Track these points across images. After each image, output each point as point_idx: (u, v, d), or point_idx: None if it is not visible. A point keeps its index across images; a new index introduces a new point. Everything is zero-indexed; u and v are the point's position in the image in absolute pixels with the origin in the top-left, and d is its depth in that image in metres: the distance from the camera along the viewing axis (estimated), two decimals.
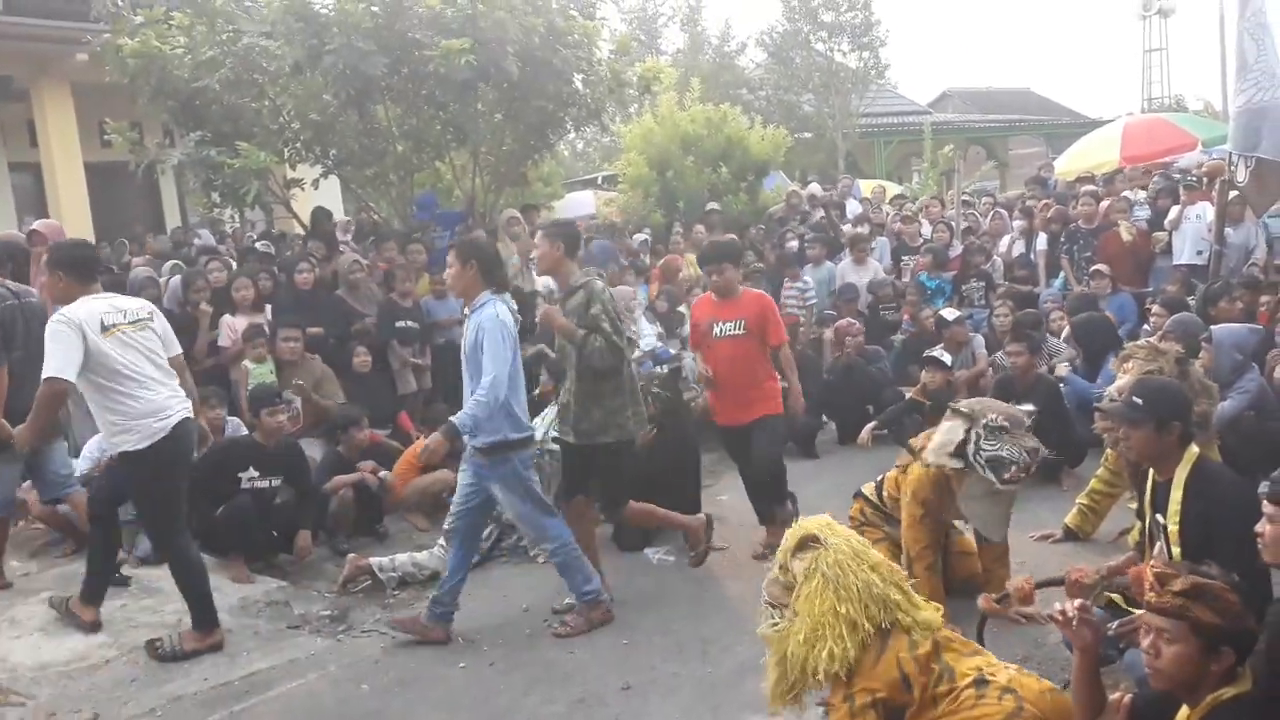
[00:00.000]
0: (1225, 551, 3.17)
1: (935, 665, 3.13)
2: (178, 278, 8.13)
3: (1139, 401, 3.50)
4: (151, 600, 5.36)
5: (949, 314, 8.10)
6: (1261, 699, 2.46)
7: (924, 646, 3.16)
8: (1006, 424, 4.30)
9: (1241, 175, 7.48)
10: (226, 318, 7.54)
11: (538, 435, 5.96)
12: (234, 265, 8.53)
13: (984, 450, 4.27)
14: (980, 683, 3.03)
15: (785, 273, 9.80)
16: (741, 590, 5.24)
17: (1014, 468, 4.23)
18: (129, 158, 9.08)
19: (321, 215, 9.95)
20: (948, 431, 4.45)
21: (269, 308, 7.83)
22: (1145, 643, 2.61)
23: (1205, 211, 8.14)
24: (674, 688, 4.25)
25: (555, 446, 5.90)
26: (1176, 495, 3.44)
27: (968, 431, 4.34)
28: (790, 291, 9.63)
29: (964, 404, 4.59)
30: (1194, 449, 3.50)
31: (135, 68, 8.52)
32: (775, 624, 3.33)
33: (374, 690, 4.44)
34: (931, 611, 3.27)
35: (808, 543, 3.29)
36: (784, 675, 3.29)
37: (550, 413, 6.11)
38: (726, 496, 7.04)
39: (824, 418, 8.22)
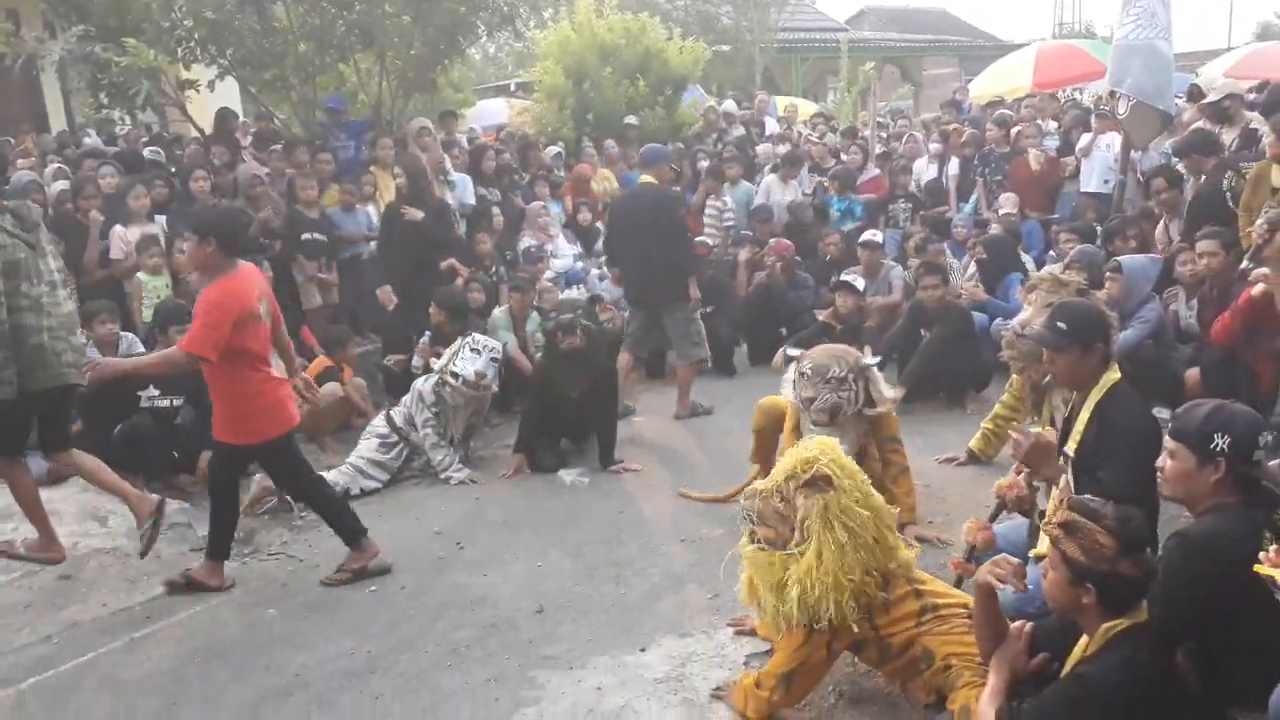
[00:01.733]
0: (1111, 474, 3.29)
1: (914, 603, 3.25)
2: (63, 182, 7.67)
3: (1063, 326, 3.56)
4: None
5: (870, 235, 8.12)
6: (1155, 629, 2.57)
7: (899, 589, 3.26)
8: (808, 371, 4.69)
9: (1122, 109, 7.63)
10: (118, 228, 7.15)
11: None
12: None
13: (799, 391, 4.71)
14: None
15: (706, 189, 9.71)
16: (655, 513, 5.29)
17: (820, 413, 4.63)
18: (4, 51, 8.45)
19: (226, 116, 9.46)
20: (790, 370, 4.90)
21: (162, 218, 7.45)
22: (1041, 567, 2.72)
23: (1115, 141, 8.28)
24: (586, 610, 4.27)
25: (452, 380, 5.83)
26: (1084, 415, 3.52)
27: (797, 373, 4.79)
28: (709, 211, 9.57)
29: (800, 351, 4.97)
30: (1114, 373, 3.56)
31: None
32: (762, 548, 3.29)
33: (281, 615, 4.36)
34: (906, 552, 3.35)
35: (819, 483, 3.21)
36: (777, 608, 3.24)
37: None
38: (642, 418, 7.06)
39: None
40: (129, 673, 3.88)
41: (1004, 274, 7.41)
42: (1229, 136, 7.33)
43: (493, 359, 6.01)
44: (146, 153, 9.25)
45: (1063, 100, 11.80)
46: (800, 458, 3.30)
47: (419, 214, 7.27)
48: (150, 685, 3.77)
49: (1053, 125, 9.98)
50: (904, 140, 11.20)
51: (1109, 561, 2.48)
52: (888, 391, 4.96)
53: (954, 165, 9.78)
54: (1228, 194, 6.36)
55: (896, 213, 9.63)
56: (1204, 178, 6.78)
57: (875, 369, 4.86)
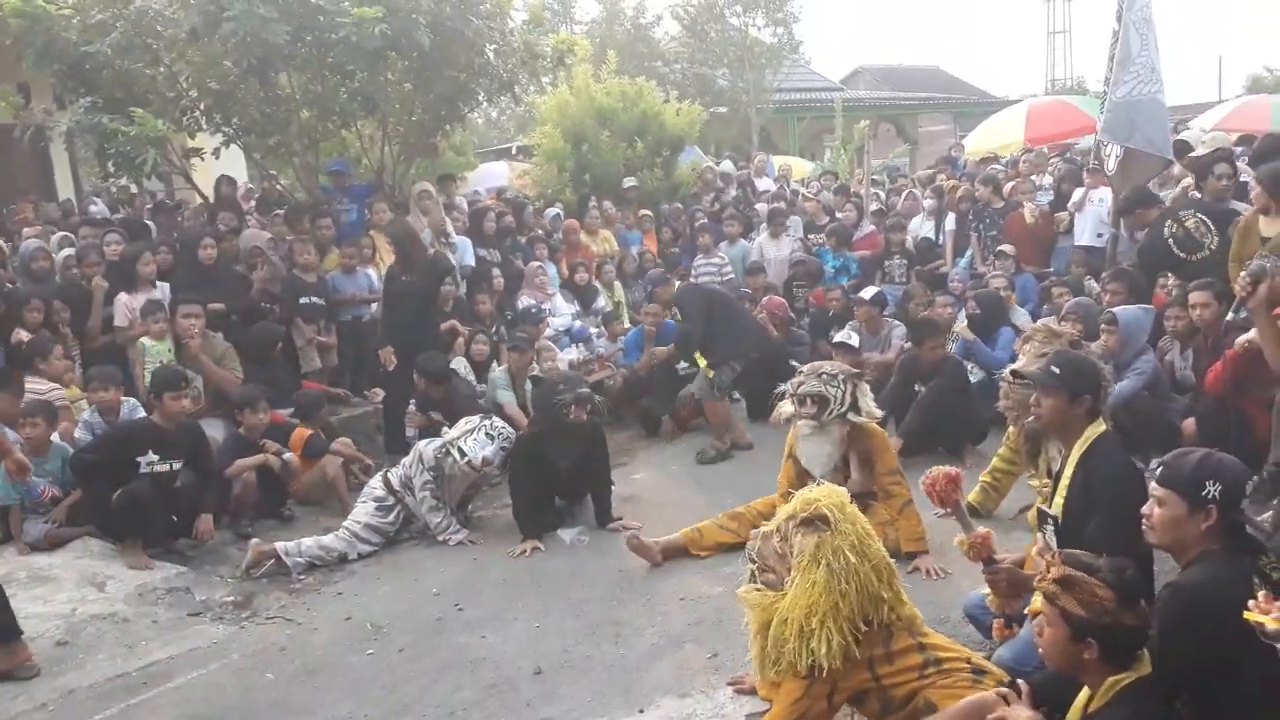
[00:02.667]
0: (1099, 527, 3.31)
1: (917, 656, 3.23)
2: (69, 249, 7.78)
3: (1056, 370, 3.63)
4: (42, 589, 5.13)
5: (866, 293, 8.18)
6: (1158, 681, 2.55)
7: (902, 641, 3.24)
8: (804, 371, 5.26)
9: (1111, 165, 7.78)
10: (123, 295, 7.23)
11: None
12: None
13: (791, 386, 5.24)
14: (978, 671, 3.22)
15: (699, 246, 9.83)
16: (654, 571, 5.26)
17: (808, 401, 5.11)
18: (14, 123, 8.62)
19: (222, 183, 9.59)
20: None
21: (163, 285, 7.53)
22: (1035, 624, 2.72)
23: (1107, 195, 8.38)
24: (586, 670, 4.24)
25: (457, 456, 5.88)
26: (1069, 470, 3.56)
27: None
28: (707, 267, 9.66)
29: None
30: (1099, 426, 3.60)
31: (18, 28, 8.06)
32: (759, 589, 3.32)
33: (279, 679, 4.34)
34: (911, 608, 3.32)
35: (816, 522, 3.24)
36: (764, 649, 3.28)
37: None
38: (640, 475, 7.07)
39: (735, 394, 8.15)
40: None
41: (996, 328, 7.46)
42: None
43: (503, 447, 5.97)
44: (143, 218, 9.37)
45: (1052, 155, 11.95)
46: (804, 498, 3.34)
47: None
48: None
49: (1047, 180, 10.10)
50: (903, 197, 11.34)
51: (1110, 614, 2.48)
52: (875, 409, 5.27)
53: (950, 220, 9.89)
54: (1170, 240, 6.66)
55: (892, 269, 9.71)
56: (1147, 230, 7.23)
57: (865, 384, 5.31)
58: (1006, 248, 8.82)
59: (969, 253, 9.69)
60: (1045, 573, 2.71)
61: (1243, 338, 5.05)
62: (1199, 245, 6.63)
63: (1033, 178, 10.10)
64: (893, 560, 3.35)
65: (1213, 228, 6.59)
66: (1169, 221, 6.84)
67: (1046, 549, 3.44)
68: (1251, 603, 2.35)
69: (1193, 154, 8.14)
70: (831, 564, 3.16)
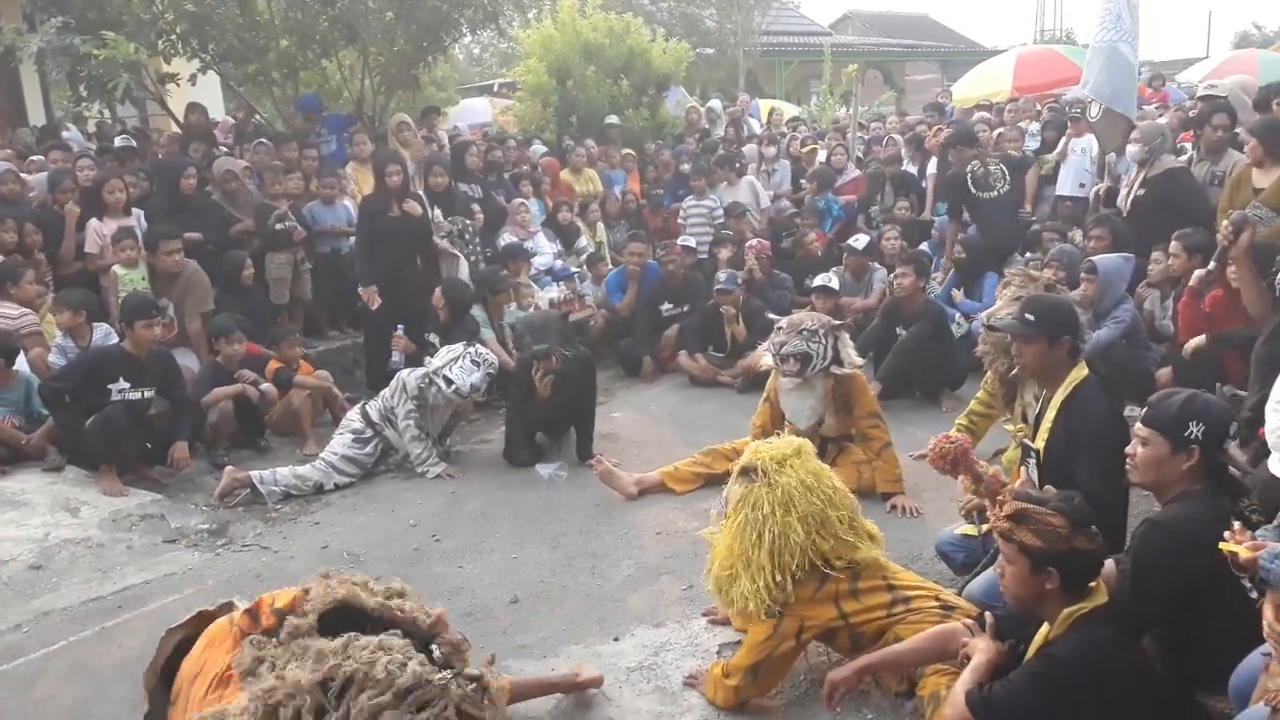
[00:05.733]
0: (1083, 470, 3.34)
1: (885, 595, 3.29)
2: (43, 175, 7.62)
3: (1030, 317, 3.62)
4: (15, 513, 5.10)
5: (858, 242, 8.15)
6: (1117, 610, 2.60)
7: (869, 580, 3.30)
8: (784, 325, 5.23)
9: (1094, 111, 7.75)
10: (93, 222, 7.09)
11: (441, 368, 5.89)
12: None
13: (772, 342, 5.22)
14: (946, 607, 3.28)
15: (692, 189, 9.75)
16: (631, 506, 5.29)
17: (791, 360, 5.09)
18: None
19: (192, 109, 9.35)
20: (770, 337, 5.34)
21: (138, 213, 7.40)
22: (996, 565, 2.76)
23: (1091, 144, 8.36)
24: (562, 600, 4.28)
25: (443, 384, 5.84)
26: (1051, 413, 3.57)
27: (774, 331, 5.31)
28: (698, 209, 9.59)
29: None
30: (1082, 370, 3.61)
31: None
32: (713, 530, 3.47)
33: None
34: (870, 549, 3.35)
35: (748, 473, 3.34)
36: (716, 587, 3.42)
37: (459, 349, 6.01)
38: (620, 414, 7.08)
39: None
40: (100, 661, 3.85)
41: (982, 274, 7.48)
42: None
43: (489, 374, 5.96)
44: (118, 140, 9.16)
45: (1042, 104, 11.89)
46: (753, 448, 3.42)
47: (417, 208, 7.28)
48: (121, 673, 3.73)
49: (1034, 127, 10.04)
50: (884, 144, 11.26)
51: (1065, 540, 2.53)
52: (856, 358, 5.27)
53: (932, 164, 9.83)
54: (969, 175, 7.91)
55: (875, 215, 9.68)
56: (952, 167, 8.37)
57: (846, 334, 5.26)
58: None
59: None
60: (998, 511, 2.75)
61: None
62: (991, 187, 7.86)
63: (1020, 124, 10.04)
64: (854, 505, 3.40)
65: (1007, 175, 7.86)
66: (975, 161, 7.97)
67: (1028, 483, 3.48)
68: (1227, 533, 2.38)
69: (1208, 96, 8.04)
70: (749, 515, 3.28)
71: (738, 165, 10.28)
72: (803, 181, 10.46)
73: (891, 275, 7.43)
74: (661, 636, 3.88)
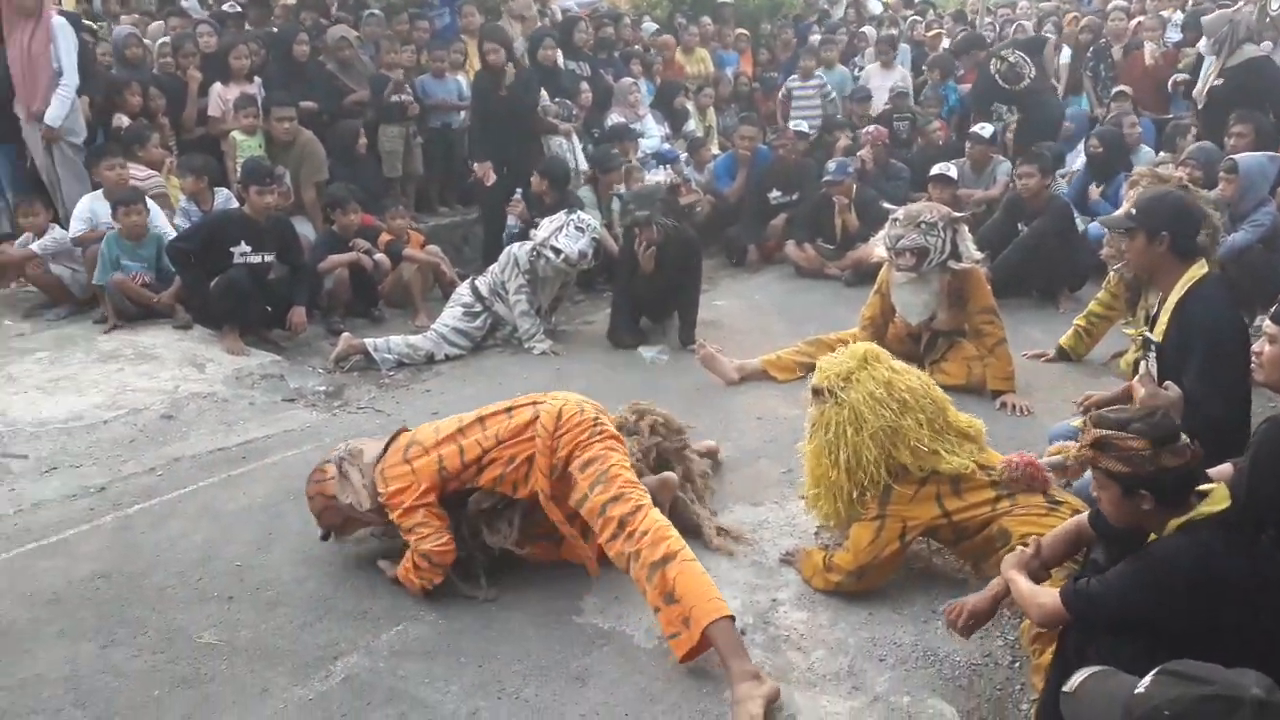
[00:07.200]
0: (1189, 368, 3.25)
1: (988, 492, 3.25)
2: (165, 39, 7.77)
3: (1133, 211, 3.49)
4: (147, 366, 5.39)
5: (984, 130, 7.83)
6: (1235, 514, 2.51)
7: (971, 478, 3.25)
8: (900, 217, 5.04)
9: (1276, 4, 7.18)
10: (217, 86, 7.25)
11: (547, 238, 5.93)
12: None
13: (888, 234, 5.05)
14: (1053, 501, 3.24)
15: (799, 70, 9.44)
16: (731, 391, 5.31)
17: (906, 254, 4.92)
18: None
19: None
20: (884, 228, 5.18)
21: (258, 80, 7.51)
22: (1093, 488, 2.70)
23: None
24: None
25: (551, 255, 5.86)
26: (1165, 314, 3.45)
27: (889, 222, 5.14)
28: (805, 90, 9.29)
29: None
30: (1201, 268, 3.45)
31: None
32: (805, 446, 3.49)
33: None
34: (957, 456, 3.27)
35: (818, 393, 3.33)
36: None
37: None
38: (723, 302, 7.05)
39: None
40: (225, 505, 4.08)
41: (1117, 169, 7.10)
42: None
43: (594, 239, 5.99)
44: (226, 6, 9.24)
45: None
46: (821, 365, 3.40)
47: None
48: (247, 517, 3.96)
49: (1178, 16, 9.38)
50: (1013, 29, 10.68)
51: (1150, 461, 2.44)
52: (975, 253, 5.06)
53: (1065, 54, 9.30)
54: (995, 75, 8.00)
55: (999, 107, 9.23)
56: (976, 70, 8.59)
57: (965, 227, 5.04)
58: (1125, 88, 8.32)
59: (1084, 97, 9.17)
60: (1082, 441, 2.66)
61: None
62: (1020, 76, 7.91)
63: (1162, 13, 9.39)
64: (937, 404, 3.32)
65: (1029, 60, 7.88)
66: (993, 59, 8.08)
67: (1148, 376, 3.37)
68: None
69: None
70: (822, 438, 3.30)
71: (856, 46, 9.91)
72: (924, 68, 10.01)
73: (1014, 173, 7.11)
74: (760, 515, 3.92)
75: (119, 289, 5.84)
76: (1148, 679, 1.98)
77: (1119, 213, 4.68)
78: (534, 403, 3.40)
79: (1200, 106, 6.62)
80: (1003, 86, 7.95)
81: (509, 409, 3.40)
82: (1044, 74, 8.19)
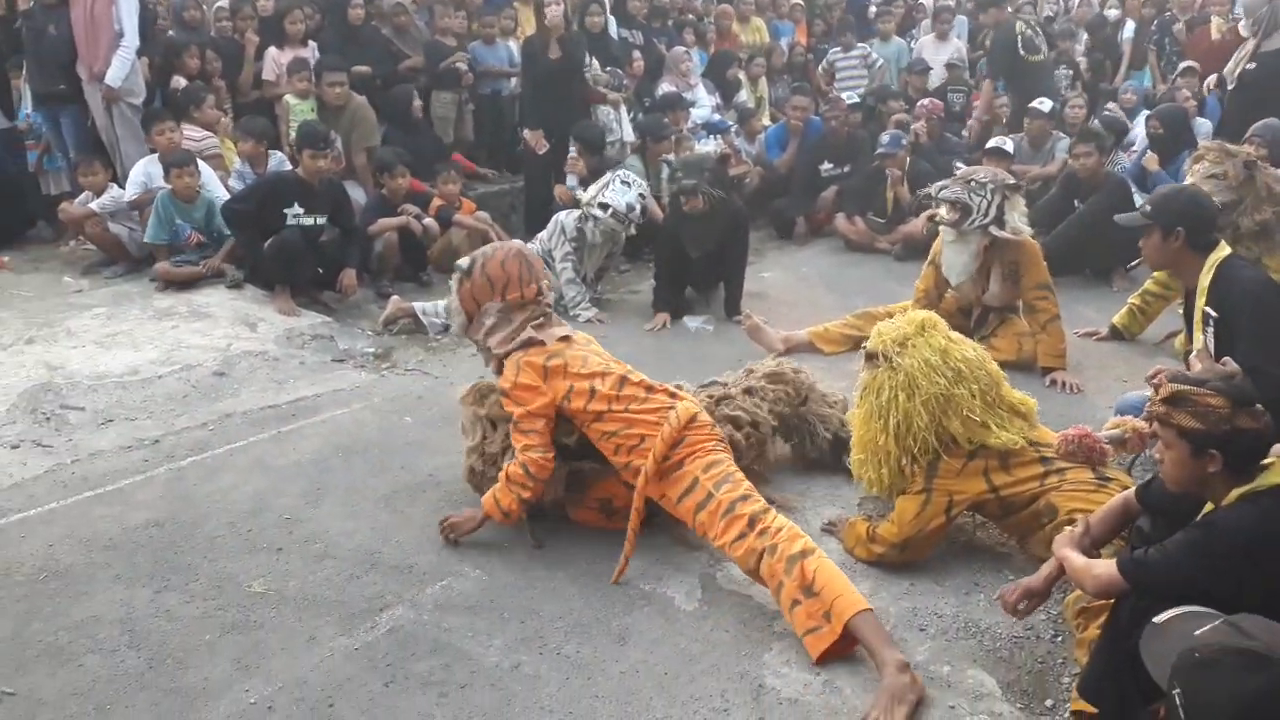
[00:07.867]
0: (1238, 344, 3.22)
1: (1037, 467, 3.20)
2: (222, 3, 7.85)
3: (1147, 208, 3.47)
4: (201, 324, 5.48)
5: (1043, 104, 7.68)
6: None
7: (1020, 454, 3.21)
8: (957, 172, 5.14)
9: None
10: (272, 50, 7.32)
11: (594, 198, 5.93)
12: None
13: (937, 187, 5.06)
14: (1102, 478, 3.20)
15: (841, 43, 9.32)
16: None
17: (947, 206, 4.92)
18: None
19: None
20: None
21: (312, 44, 7.57)
22: (1156, 451, 2.64)
23: None
24: None
25: (600, 212, 5.86)
26: (1200, 302, 3.44)
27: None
28: (848, 62, 9.17)
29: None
30: (1221, 252, 3.42)
31: None
32: (853, 413, 3.48)
33: (417, 423, 4.57)
34: (1008, 430, 3.22)
35: (872, 357, 3.28)
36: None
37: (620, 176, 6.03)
38: (769, 274, 7.01)
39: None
40: (276, 460, 4.16)
41: (1180, 149, 6.93)
42: None
43: (640, 194, 6.01)
44: None
45: None
46: (877, 330, 3.33)
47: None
48: (296, 472, 4.04)
49: None
50: (1079, 4, 10.44)
51: (1227, 420, 2.38)
52: (1023, 226, 4.97)
53: (1129, 28, 9.08)
54: (1019, 39, 7.96)
55: (1057, 81, 9.06)
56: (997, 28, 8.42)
57: (1019, 197, 4.98)
58: (1192, 64, 8.11)
59: (1145, 72, 8.96)
60: (1155, 396, 2.60)
61: None
62: (1038, 50, 8.01)
63: None
64: (992, 376, 3.25)
65: (1047, 41, 8.12)
66: (1019, 22, 8.08)
67: (1205, 352, 3.31)
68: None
69: None
70: (873, 402, 3.24)
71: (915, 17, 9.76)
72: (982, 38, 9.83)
73: (1071, 152, 6.94)
74: (803, 484, 3.92)
75: (163, 277, 5.95)
76: (1212, 625, 2.01)
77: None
78: (670, 394, 3.46)
79: (1231, 88, 6.41)
80: (1019, 51, 7.94)
81: (649, 387, 3.45)
82: (1053, 62, 8.32)
